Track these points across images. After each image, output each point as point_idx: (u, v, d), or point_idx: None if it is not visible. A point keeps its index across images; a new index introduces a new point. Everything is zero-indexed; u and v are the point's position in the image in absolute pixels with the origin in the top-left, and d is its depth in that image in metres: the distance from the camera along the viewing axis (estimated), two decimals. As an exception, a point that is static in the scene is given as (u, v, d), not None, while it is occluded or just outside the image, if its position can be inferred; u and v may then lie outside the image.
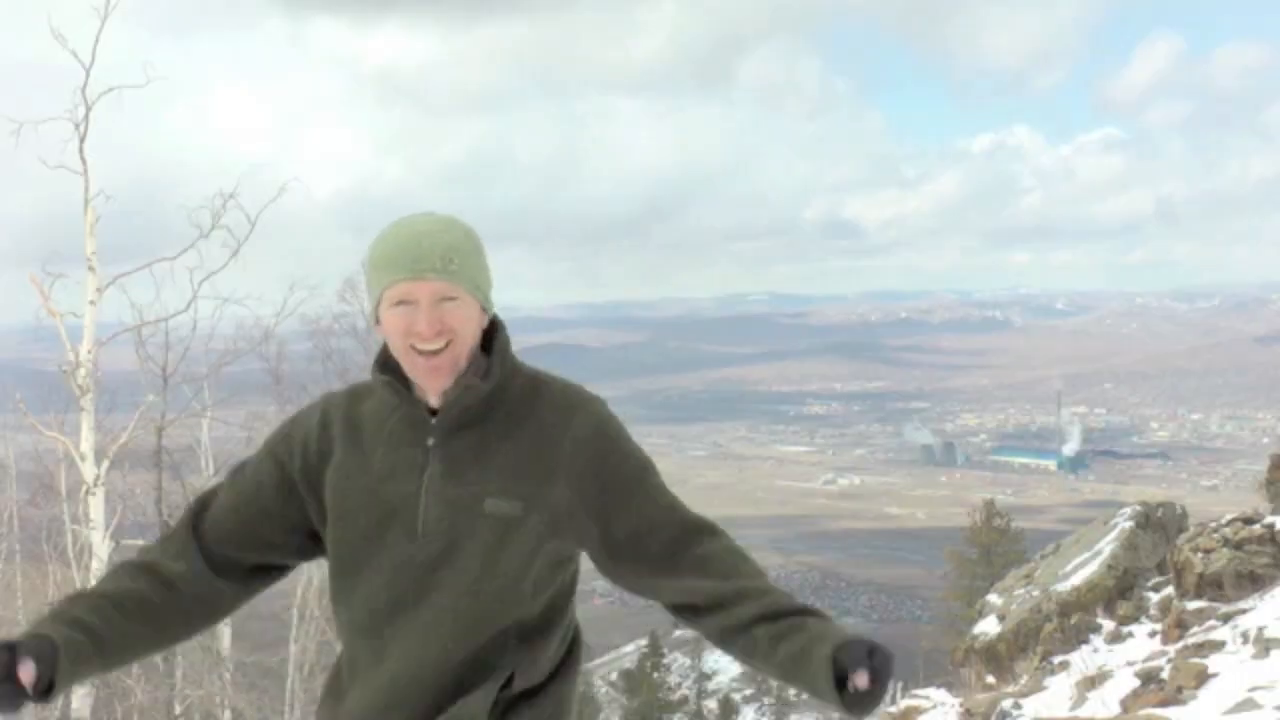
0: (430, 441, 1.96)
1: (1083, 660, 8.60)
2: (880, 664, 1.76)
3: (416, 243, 1.93)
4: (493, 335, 2.02)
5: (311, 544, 2.08)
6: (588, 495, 1.97)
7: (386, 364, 2.01)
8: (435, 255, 1.92)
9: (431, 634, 1.93)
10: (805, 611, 1.90)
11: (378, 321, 1.98)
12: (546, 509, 1.95)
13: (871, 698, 1.77)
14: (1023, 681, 9.77)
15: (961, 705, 8.79)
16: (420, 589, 1.93)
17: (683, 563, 1.98)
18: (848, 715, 1.79)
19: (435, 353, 1.92)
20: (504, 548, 1.93)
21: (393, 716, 1.94)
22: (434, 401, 1.98)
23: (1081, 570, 12.15)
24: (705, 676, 49.93)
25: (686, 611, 2.01)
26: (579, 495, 1.96)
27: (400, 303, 1.92)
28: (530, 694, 1.99)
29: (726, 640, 1.96)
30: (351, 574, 1.98)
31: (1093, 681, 7.41)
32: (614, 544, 1.98)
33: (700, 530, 2.01)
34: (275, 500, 2.04)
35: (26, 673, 1.75)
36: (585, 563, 2.09)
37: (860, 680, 1.75)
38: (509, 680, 1.96)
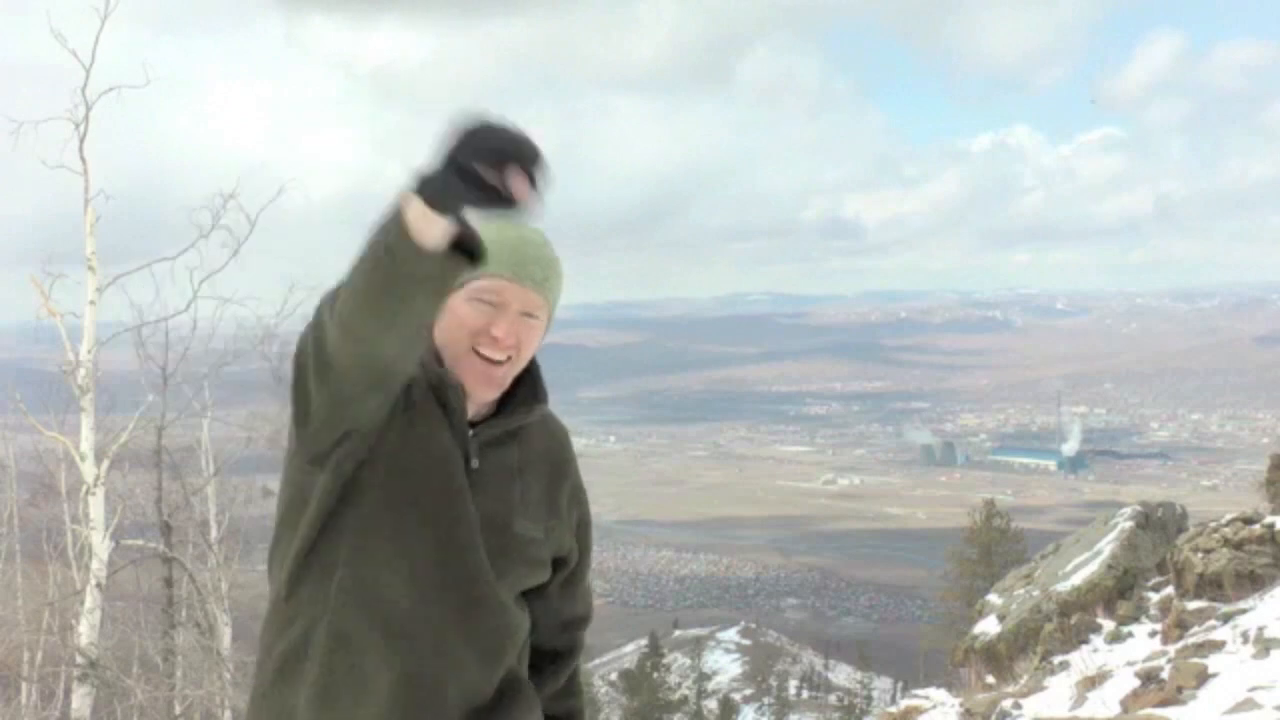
0: (475, 463, 1.82)
1: (1083, 660, 8.60)
2: None
3: (524, 246, 1.79)
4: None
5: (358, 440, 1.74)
6: (571, 533, 1.99)
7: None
8: (540, 266, 1.81)
9: (470, 638, 1.81)
10: None
11: None
12: (557, 541, 1.94)
13: None
14: (1023, 681, 9.77)
15: (961, 705, 8.78)
16: (457, 593, 1.80)
17: (566, 640, 2.06)
18: None
19: (497, 363, 1.79)
20: (524, 569, 1.88)
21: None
22: (470, 409, 1.85)
23: (1081, 570, 12.15)
24: (705, 676, 49.99)
25: (535, 660, 2.03)
26: (569, 533, 1.98)
27: (483, 300, 1.78)
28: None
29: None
30: (390, 545, 1.77)
31: (1093, 681, 7.40)
32: (553, 584, 1.99)
33: (585, 624, 2.11)
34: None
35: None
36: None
37: None
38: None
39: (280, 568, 1.84)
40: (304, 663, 1.78)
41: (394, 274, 1.47)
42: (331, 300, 1.59)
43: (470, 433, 1.83)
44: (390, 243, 1.45)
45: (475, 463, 1.82)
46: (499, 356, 1.78)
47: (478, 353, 1.78)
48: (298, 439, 1.78)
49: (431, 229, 1.43)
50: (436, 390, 1.80)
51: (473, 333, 1.77)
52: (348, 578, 1.77)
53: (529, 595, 1.94)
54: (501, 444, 1.87)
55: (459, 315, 1.77)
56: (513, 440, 1.88)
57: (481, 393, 1.82)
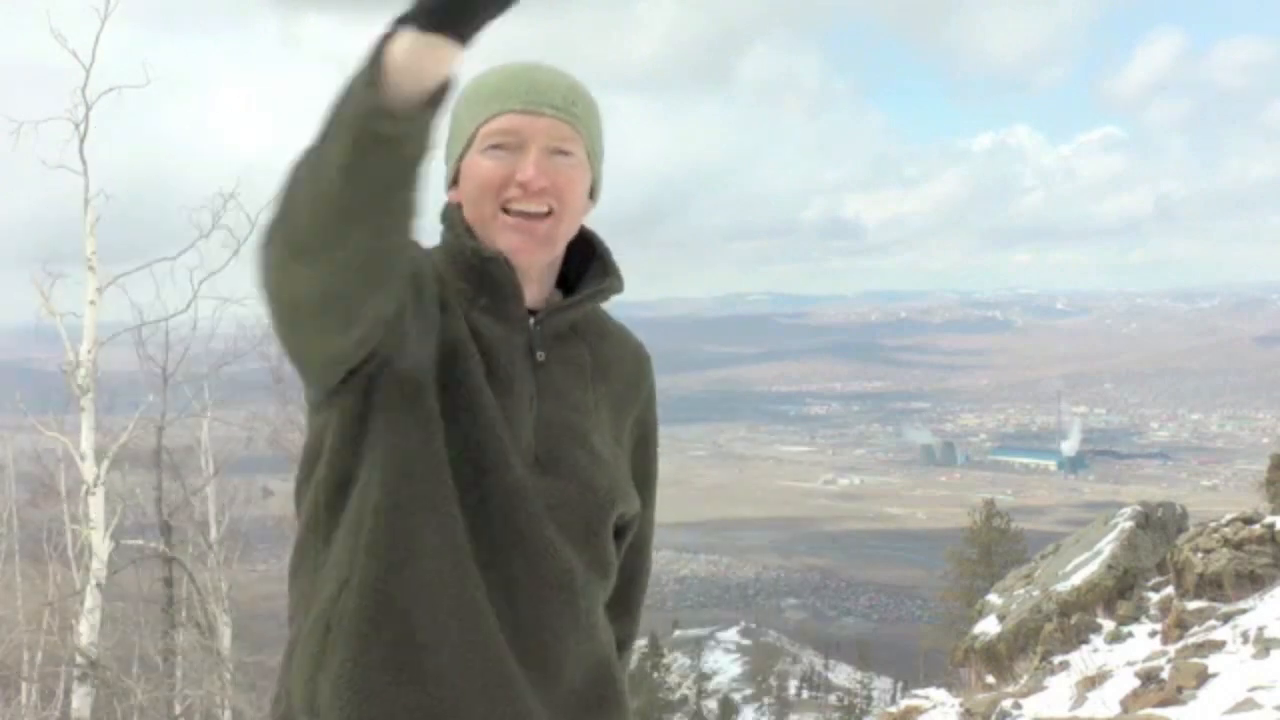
0: (540, 355, 1.51)
1: (1083, 660, 8.60)
2: None
3: (535, 73, 1.49)
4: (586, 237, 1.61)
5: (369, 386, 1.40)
6: (635, 459, 1.63)
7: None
8: (559, 92, 1.48)
9: (563, 586, 1.47)
10: None
11: (455, 183, 1.52)
12: (626, 462, 1.60)
13: None
14: (1023, 681, 9.77)
15: (961, 705, 8.78)
16: (539, 531, 1.45)
17: (624, 583, 1.64)
18: None
19: (536, 215, 1.46)
20: (607, 491, 1.54)
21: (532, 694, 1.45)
22: (528, 294, 1.52)
23: (1081, 570, 12.14)
24: (705, 676, 50.06)
25: None
26: (628, 475, 1.60)
27: (498, 145, 1.45)
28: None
29: None
30: (438, 493, 1.40)
31: (1093, 681, 7.40)
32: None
33: (646, 570, 1.75)
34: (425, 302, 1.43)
35: None
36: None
37: None
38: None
39: (305, 528, 1.51)
40: (330, 637, 1.42)
41: (371, 149, 1.10)
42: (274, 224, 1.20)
43: (531, 321, 1.51)
44: (363, 103, 1.09)
45: (540, 354, 1.51)
46: (534, 207, 1.45)
47: (509, 210, 1.46)
48: (305, 387, 1.46)
49: (435, 66, 1.10)
50: (476, 272, 1.48)
51: (497, 188, 1.45)
52: (377, 530, 1.40)
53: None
54: (568, 338, 1.55)
55: (478, 174, 1.47)
56: (579, 338, 1.57)
57: (527, 256, 1.48)
